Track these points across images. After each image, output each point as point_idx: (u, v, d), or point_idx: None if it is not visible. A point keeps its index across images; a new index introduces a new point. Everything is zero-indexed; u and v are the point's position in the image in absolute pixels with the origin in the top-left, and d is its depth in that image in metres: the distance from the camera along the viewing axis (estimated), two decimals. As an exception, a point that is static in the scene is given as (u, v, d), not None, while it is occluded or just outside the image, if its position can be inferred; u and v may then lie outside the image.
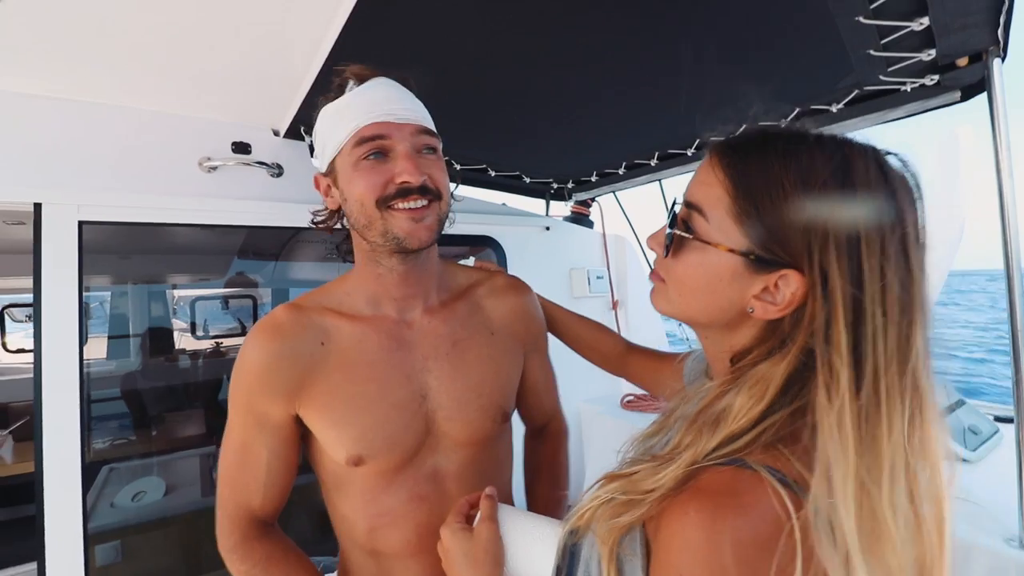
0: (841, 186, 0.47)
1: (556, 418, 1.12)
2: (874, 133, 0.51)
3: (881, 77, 1.19)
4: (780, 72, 1.28)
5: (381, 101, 0.77)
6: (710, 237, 0.52)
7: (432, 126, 0.82)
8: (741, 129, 0.56)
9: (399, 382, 0.83)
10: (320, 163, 0.84)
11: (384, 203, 0.76)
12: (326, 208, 0.88)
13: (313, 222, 0.90)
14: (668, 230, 0.57)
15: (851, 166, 0.48)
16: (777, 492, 0.42)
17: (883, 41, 1.04)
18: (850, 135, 0.52)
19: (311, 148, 1.74)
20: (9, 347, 4.05)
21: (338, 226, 0.91)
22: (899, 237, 0.47)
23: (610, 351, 1.09)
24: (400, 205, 0.76)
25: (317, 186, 0.87)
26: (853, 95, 1.31)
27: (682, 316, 0.59)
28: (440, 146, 0.83)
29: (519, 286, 1.01)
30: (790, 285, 0.49)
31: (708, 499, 0.44)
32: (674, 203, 0.58)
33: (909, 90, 1.23)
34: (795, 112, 1.43)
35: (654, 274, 0.61)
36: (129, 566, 1.61)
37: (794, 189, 0.48)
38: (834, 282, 0.46)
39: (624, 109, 1.56)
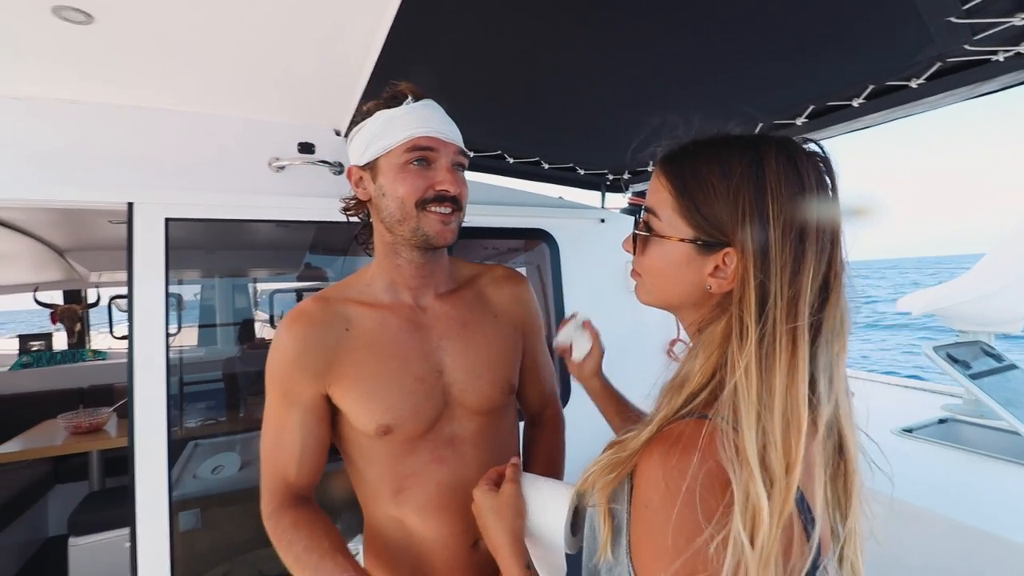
0: (754, 176, 0.58)
1: (552, 404, 1.18)
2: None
3: (966, 47, 1.07)
4: (849, 46, 1.19)
5: (434, 120, 0.90)
6: (664, 232, 0.64)
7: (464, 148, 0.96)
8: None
9: (418, 359, 0.94)
10: (359, 157, 0.94)
11: (422, 204, 0.89)
12: (354, 198, 0.99)
13: (344, 209, 1.02)
14: (634, 225, 0.69)
15: (761, 159, 0.58)
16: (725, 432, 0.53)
17: (965, 6, 0.94)
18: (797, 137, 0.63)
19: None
20: (115, 334, 4.52)
21: (355, 219, 1.03)
22: (800, 209, 0.56)
23: None
24: (434, 208, 0.89)
25: (349, 177, 0.97)
26: (935, 68, 1.19)
27: (661, 302, 0.69)
28: (467, 165, 0.96)
29: (516, 276, 1.11)
30: (732, 259, 0.59)
31: (668, 442, 0.55)
32: (640, 212, 0.69)
33: (1002, 60, 1.10)
34: (869, 89, 1.33)
35: (633, 272, 0.72)
36: (207, 532, 1.77)
37: (718, 182, 0.59)
38: (748, 253, 0.56)
39: (684, 95, 1.51)
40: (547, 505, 0.80)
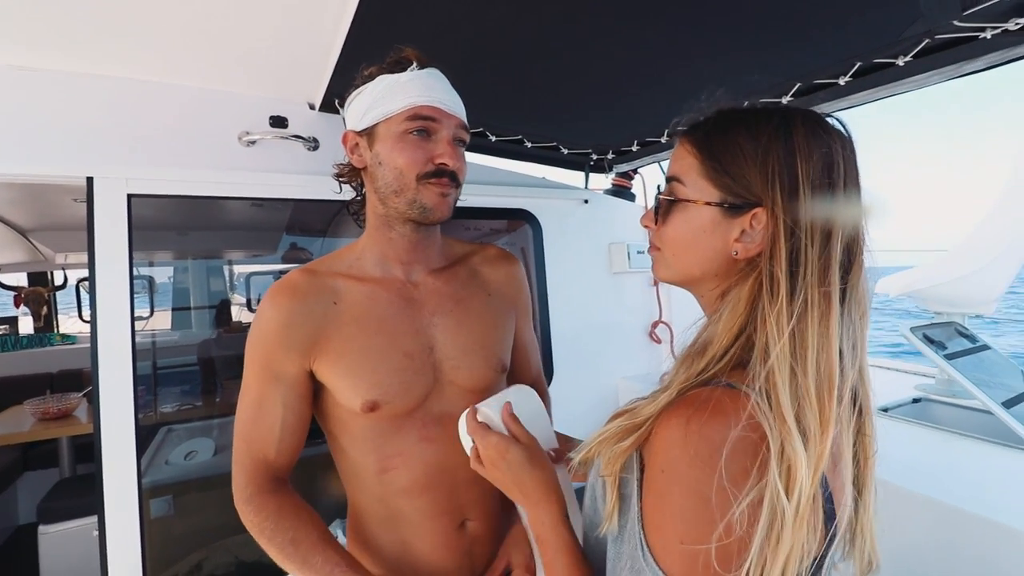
0: (782, 138, 0.58)
1: (539, 383, 1.16)
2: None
3: (955, 23, 1.05)
4: (835, 23, 1.16)
5: (438, 89, 0.87)
6: (689, 196, 0.63)
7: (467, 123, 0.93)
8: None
9: (408, 335, 0.91)
10: (357, 122, 0.90)
11: (422, 178, 0.86)
12: (348, 164, 0.95)
13: (337, 176, 0.98)
14: (656, 195, 0.68)
15: (789, 122, 0.59)
16: (748, 399, 0.52)
17: (957, -22, 0.92)
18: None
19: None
20: (84, 318, 4.39)
21: (348, 186, 0.98)
22: (827, 171, 0.57)
23: None
24: (433, 181, 0.87)
25: (345, 142, 0.93)
26: (923, 45, 1.17)
27: (681, 276, 0.67)
28: (468, 141, 0.93)
29: (509, 256, 1.10)
30: (760, 221, 0.58)
31: (687, 407, 0.54)
32: (658, 188, 0.69)
33: (989, 37, 1.09)
34: (856, 67, 1.31)
35: (651, 247, 0.70)
36: (181, 519, 1.73)
37: (747, 143, 0.59)
38: (778, 210, 0.56)
39: (665, 74, 1.47)
40: (534, 423, 0.81)
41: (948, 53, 1.17)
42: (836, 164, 0.58)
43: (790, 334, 0.53)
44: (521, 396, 0.85)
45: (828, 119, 0.61)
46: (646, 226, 0.70)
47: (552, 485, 0.74)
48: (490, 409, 0.81)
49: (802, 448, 0.49)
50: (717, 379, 0.56)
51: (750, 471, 0.50)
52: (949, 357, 1.63)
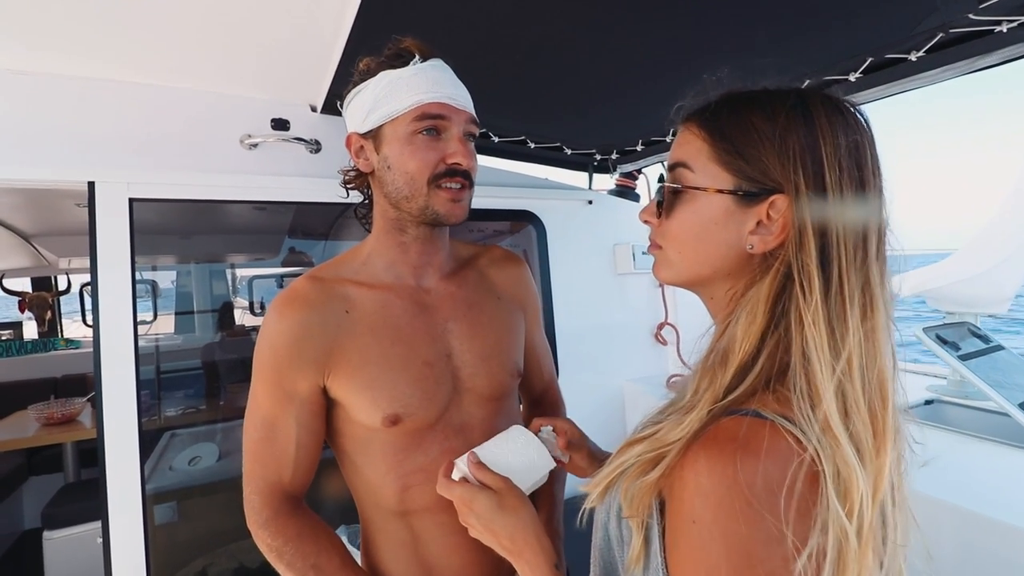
0: (801, 117, 0.53)
1: (552, 387, 1.13)
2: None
3: (971, 16, 1.03)
4: (850, 16, 1.14)
5: (445, 83, 0.82)
6: (698, 183, 0.57)
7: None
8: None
9: (425, 343, 0.87)
10: (360, 124, 0.84)
11: (434, 180, 0.81)
12: (354, 170, 0.91)
13: (344, 182, 0.93)
14: (659, 185, 0.61)
15: (806, 101, 0.54)
16: (790, 435, 0.46)
17: (975, -30, 0.89)
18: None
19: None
20: (88, 322, 4.39)
21: (355, 192, 0.94)
22: (854, 154, 0.52)
23: None
24: (446, 184, 0.82)
25: (348, 145, 0.88)
26: (937, 40, 1.15)
27: (686, 275, 0.60)
28: (478, 134, 0.88)
29: (515, 257, 1.07)
30: (779, 209, 0.52)
31: (720, 446, 0.47)
32: (660, 177, 0.62)
33: (1006, 31, 1.06)
34: (867, 62, 1.28)
35: (652, 245, 0.63)
36: (185, 525, 1.72)
37: (763, 124, 0.53)
38: (803, 196, 0.51)
39: (670, 72, 1.45)
40: (519, 463, 0.77)
41: (962, 47, 1.14)
42: (862, 147, 0.53)
43: (829, 335, 0.48)
44: (502, 438, 0.80)
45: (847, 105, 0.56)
46: (646, 221, 0.63)
47: (530, 531, 0.67)
48: (462, 462, 0.76)
49: (856, 462, 0.45)
50: (745, 408, 0.49)
51: (812, 511, 0.44)
52: (963, 358, 1.60)
